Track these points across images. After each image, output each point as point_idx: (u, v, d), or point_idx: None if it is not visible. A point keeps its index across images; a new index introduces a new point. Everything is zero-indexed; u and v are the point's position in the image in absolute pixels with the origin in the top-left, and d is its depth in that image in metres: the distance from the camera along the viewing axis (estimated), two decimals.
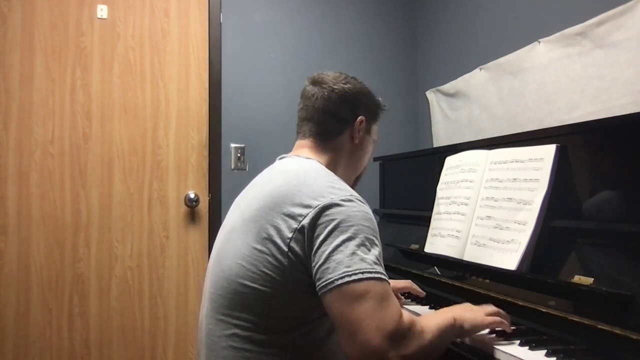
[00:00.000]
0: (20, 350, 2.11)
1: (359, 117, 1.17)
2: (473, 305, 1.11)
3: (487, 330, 1.09)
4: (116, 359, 2.23)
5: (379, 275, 0.90)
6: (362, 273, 0.89)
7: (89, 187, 2.23)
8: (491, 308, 1.10)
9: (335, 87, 1.16)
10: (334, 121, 1.16)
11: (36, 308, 2.14)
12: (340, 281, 0.88)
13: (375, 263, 0.92)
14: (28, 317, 2.13)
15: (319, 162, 1.11)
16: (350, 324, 0.88)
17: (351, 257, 0.90)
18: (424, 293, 1.45)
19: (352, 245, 0.91)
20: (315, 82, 1.19)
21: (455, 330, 1.00)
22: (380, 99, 1.26)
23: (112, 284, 2.24)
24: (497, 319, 1.07)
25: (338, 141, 1.16)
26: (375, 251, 0.94)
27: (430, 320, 0.98)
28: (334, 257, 0.90)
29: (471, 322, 1.04)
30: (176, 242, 2.34)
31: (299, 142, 1.18)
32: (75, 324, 2.19)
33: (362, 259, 0.90)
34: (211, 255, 1.13)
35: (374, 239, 0.95)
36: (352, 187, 1.16)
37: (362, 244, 0.92)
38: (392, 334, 0.87)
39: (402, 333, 0.89)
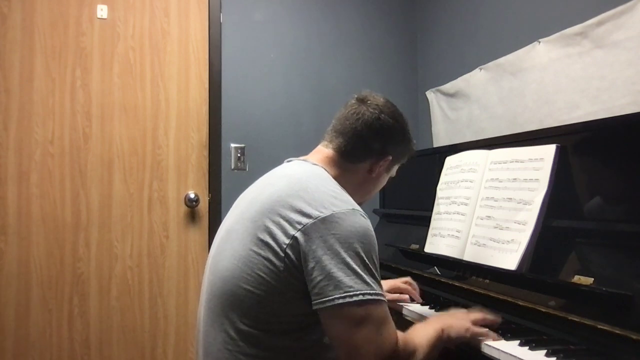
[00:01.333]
0: (20, 350, 2.11)
1: (387, 157, 1.15)
2: (460, 313, 1.14)
3: (486, 329, 1.10)
4: (116, 359, 2.23)
5: (378, 297, 0.92)
6: (364, 295, 0.90)
7: (89, 187, 2.23)
8: (477, 315, 1.12)
9: (381, 116, 1.12)
10: (362, 148, 1.13)
11: (36, 308, 2.14)
12: (341, 300, 0.89)
13: (375, 283, 0.93)
14: (28, 317, 2.13)
15: (325, 170, 1.10)
16: (350, 348, 0.90)
17: (353, 276, 0.90)
18: (420, 300, 1.44)
19: (353, 263, 0.91)
20: (363, 100, 1.15)
21: (442, 340, 1.03)
22: (415, 142, 1.24)
23: (112, 284, 2.24)
24: (483, 330, 1.08)
25: (356, 167, 1.14)
26: (375, 269, 0.95)
27: (420, 334, 1.01)
28: (335, 275, 0.90)
29: (457, 330, 1.06)
30: (176, 242, 2.34)
31: (320, 148, 1.16)
32: (75, 324, 2.19)
33: (363, 280, 0.91)
34: (209, 255, 1.12)
35: (373, 256, 0.96)
36: None
37: (362, 263, 0.92)
38: (389, 358, 0.90)
39: (398, 356, 0.92)
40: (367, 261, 0.93)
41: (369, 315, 0.90)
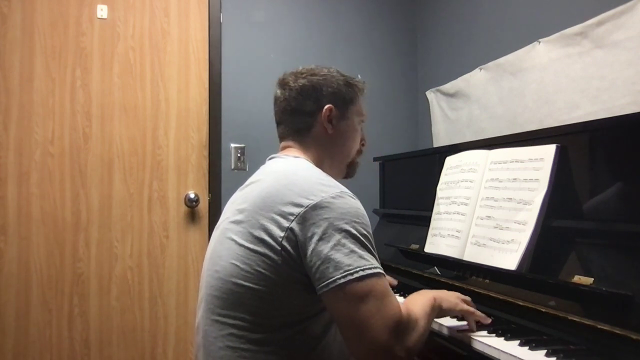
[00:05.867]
0: (20, 350, 2.11)
1: (325, 107, 1.15)
2: (452, 292, 1.17)
3: (486, 331, 1.11)
4: (116, 359, 2.23)
5: (377, 271, 0.93)
6: (363, 270, 0.91)
7: (89, 187, 2.23)
8: (467, 299, 1.17)
9: (294, 85, 1.17)
10: (300, 117, 1.16)
11: (36, 308, 2.14)
12: (342, 280, 0.90)
13: (373, 258, 0.95)
14: (28, 317, 2.13)
15: (306, 160, 1.12)
16: (357, 324, 0.90)
17: (350, 255, 0.92)
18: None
19: (348, 243, 0.92)
20: (280, 84, 1.21)
21: (435, 309, 1.06)
22: (359, 76, 1.22)
23: (112, 284, 2.24)
24: (471, 309, 1.13)
25: (313, 135, 1.16)
26: (371, 246, 0.96)
27: (417, 305, 1.02)
28: (333, 257, 0.91)
29: (448, 302, 1.11)
30: (176, 242, 2.34)
31: (282, 144, 1.21)
32: (75, 324, 2.19)
33: (361, 256, 0.92)
34: (205, 256, 1.14)
35: (368, 234, 0.97)
36: (348, 174, 1.21)
37: (358, 241, 0.94)
38: (396, 329, 0.91)
39: (404, 326, 0.93)
40: (362, 239, 0.94)
41: (372, 289, 0.91)
